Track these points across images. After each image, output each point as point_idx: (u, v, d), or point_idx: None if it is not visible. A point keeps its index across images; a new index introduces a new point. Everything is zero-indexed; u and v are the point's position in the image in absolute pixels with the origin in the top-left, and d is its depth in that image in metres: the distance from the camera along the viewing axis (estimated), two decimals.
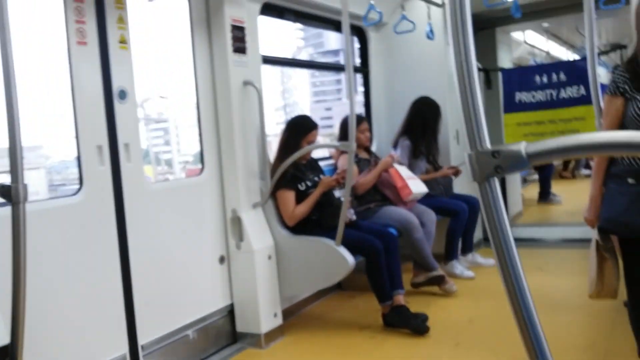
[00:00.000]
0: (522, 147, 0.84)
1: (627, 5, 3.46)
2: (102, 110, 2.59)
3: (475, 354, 2.82)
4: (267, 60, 3.64)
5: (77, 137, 2.51)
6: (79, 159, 2.51)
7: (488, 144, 0.88)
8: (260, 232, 3.28)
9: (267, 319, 3.22)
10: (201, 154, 3.20)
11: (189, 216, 3.06)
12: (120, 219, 2.65)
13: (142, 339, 2.72)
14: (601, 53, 6.22)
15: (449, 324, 3.25)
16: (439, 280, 3.77)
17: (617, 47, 6.57)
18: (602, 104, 2.35)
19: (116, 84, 2.64)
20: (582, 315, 3.18)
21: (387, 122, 4.78)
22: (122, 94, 2.68)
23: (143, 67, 2.92)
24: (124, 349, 2.64)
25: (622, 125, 2.10)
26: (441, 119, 4.34)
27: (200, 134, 3.19)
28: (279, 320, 3.30)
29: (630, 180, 2.01)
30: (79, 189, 2.51)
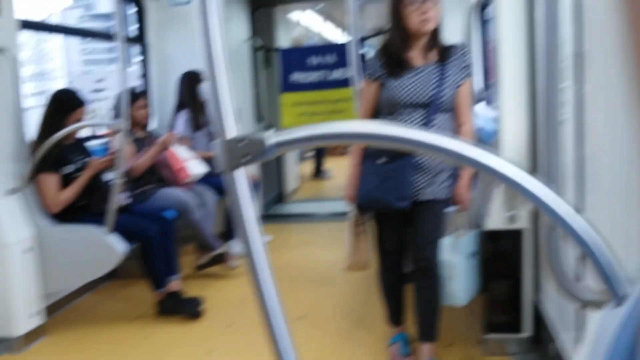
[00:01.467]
0: (267, 136, 0.85)
1: None
2: None
3: (247, 332, 2.88)
4: (27, 25, 3.20)
5: None
6: None
7: (236, 131, 0.88)
8: (16, 222, 2.91)
9: (25, 319, 2.87)
10: None
11: None
12: None
13: None
14: (365, 38, 6.57)
15: (224, 304, 3.29)
16: (221, 259, 3.80)
17: (381, 32, 7.11)
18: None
19: None
20: (344, 285, 3.47)
21: (169, 97, 4.58)
22: None
23: None
24: None
25: (378, 107, 2.31)
26: (200, 85, 4.25)
27: None
28: (39, 319, 2.97)
29: (380, 160, 2.23)
30: None
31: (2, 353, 2.83)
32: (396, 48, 2.24)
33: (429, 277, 2.28)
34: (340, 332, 2.83)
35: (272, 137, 0.86)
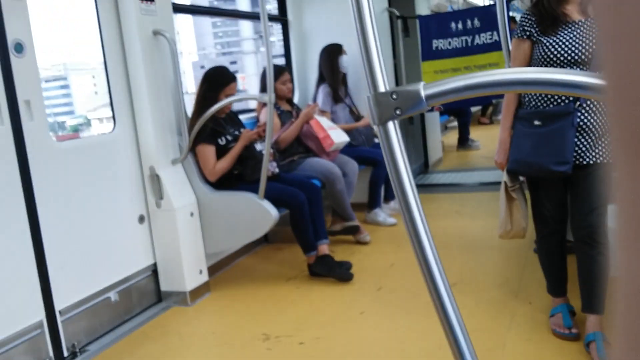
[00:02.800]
0: (420, 87, 0.84)
1: None
2: None
3: (396, 296, 2.92)
4: (179, 8, 3.46)
5: None
6: None
7: (387, 86, 0.87)
8: (180, 189, 3.20)
9: (192, 276, 3.18)
10: (112, 110, 3.04)
11: (102, 175, 2.92)
12: (26, 180, 2.49)
13: (59, 304, 2.62)
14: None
15: (372, 270, 3.34)
16: (354, 230, 3.86)
17: None
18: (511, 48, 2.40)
19: (11, 37, 2.43)
20: (497, 254, 3.34)
21: (308, 72, 4.72)
22: (19, 47, 2.47)
23: (42, 19, 2.71)
24: (40, 315, 2.53)
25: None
26: (341, 57, 4.29)
27: (109, 90, 3.02)
28: (204, 277, 3.27)
29: (535, 122, 2.09)
30: None
31: (175, 305, 3.16)
32: (551, 1, 2.07)
33: (593, 245, 2.11)
34: (495, 302, 2.72)
35: (424, 89, 0.84)
